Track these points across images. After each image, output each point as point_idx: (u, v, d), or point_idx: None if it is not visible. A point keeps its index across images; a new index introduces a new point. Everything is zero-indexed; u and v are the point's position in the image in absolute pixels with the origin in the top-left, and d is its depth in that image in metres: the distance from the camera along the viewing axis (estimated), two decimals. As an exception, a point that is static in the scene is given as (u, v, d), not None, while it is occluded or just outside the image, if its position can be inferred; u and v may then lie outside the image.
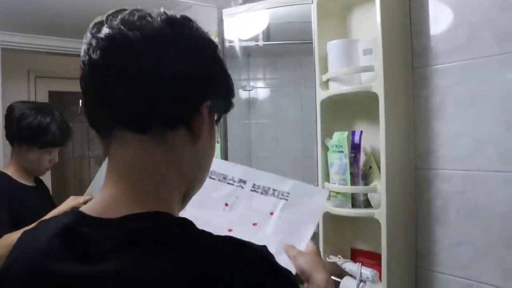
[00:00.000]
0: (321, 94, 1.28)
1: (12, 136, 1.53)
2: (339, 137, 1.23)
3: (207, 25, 1.90)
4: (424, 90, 1.20)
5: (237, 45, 1.72)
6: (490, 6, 1.06)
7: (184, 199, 0.60)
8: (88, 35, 0.54)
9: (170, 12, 0.57)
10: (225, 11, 1.56)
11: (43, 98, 3.63)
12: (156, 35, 0.53)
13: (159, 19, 0.55)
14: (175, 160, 0.56)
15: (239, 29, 1.65)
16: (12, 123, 1.51)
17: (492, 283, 1.06)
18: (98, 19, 0.56)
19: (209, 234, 0.50)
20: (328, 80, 1.29)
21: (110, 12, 0.56)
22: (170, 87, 0.53)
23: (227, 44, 1.64)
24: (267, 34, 1.72)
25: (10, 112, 1.53)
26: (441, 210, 1.17)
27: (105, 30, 0.53)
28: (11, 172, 1.51)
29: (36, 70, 3.64)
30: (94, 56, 0.53)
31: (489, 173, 1.07)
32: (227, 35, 1.62)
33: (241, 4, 1.45)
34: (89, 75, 0.54)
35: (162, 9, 0.56)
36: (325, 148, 1.29)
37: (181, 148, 0.56)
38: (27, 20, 2.53)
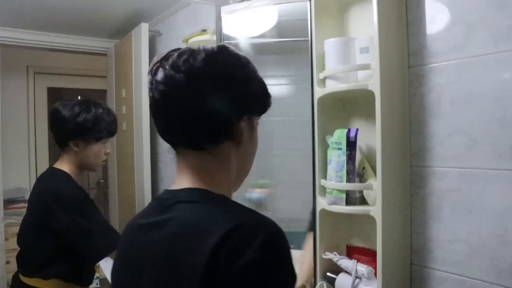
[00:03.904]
0: (318, 92, 1.29)
1: (67, 136, 1.53)
2: (339, 134, 1.24)
3: (205, 22, 1.91)
4: (420, 88, 1.21)
5: (236, 42, 1.73)
6: (486, 5, 1.07)
7: (235, 184, 0.80)
8: (148, 76, 0.72)
9: (208, 48, 0.71)
10: (223, 9, 1.57)
11: (42, 94, 3.66)
12: (196, 76, 0.69)
13: (199, 58, 0.69)
14: (222, 163, 0.74)
15: (237, 26, 1.66)
16: (64, 123, 1.51)
17: (486, 279, 1.07)
18: (155, 60, 0.72)
19: (238, 203, 0.71)
20: (325, 78, 1.29)
21: (163, 55, 0.72)
22: (213, 116, 0.69)
23: (225, 42, 1.64)
24: (267, 31, 1.72)
25: (57, 113, 1.52)
26: (436, 207, 1.18)
27: (160, 74, 0.69)
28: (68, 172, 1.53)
29: (35, 66, 3.66)
30: (155, 95, 0.71)
31: (484, 170, 1.08)
32: (225, 32, 1.62)
33: (239, 2, 1.45)
34: (154, 109, 0.73)
35: (201, 47, 0.71)
36: (324, 145, 1.30)
37: (228, 153, 0.74)
38: (27, 16, 2.54)
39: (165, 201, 0.72)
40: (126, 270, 0.75)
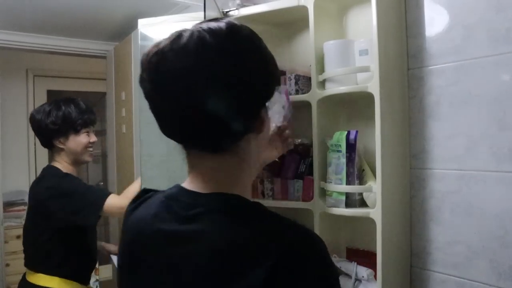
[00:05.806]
0: (318, 94, 1.29)
1: (47, 136, 1.60)
2: (339, 137, 1.24)
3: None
4: (419, 90, 1.21)
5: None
6: (485, 7, 1.07)
7: (253, 175, 0.72)
8: (147, 64, 0.65)
9: (217, 29, 0.61)
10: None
11: (41, 96, 3.65)
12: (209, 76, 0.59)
13: (211, 43, 0.60)
14: (244, 159, 0.67)
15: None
16: (41, 126, 1.58)
17: (486, 282, 1.07)
18: (163, 45, 0.63)
19: (273, 212, 0.64)
20: (324, 80, 1.30)
21: (169, 39, 0.63)
22: (243, 109, 0.62)
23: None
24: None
25: (33, 119, 1.60)
26: (436, 210, 1.18)
27: (170, 62, 0.61)
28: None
29: (34, 69, 3.66)
30: (162, 88, 0.63)
31: (483, 172, 1.08)
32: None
33: (238, 5, 1.46)
34: (159, 105, 0.64)
35: (205, 27, 0.62)
36: (324, 147, 1.30)
37: (247, 146, 0.66)
38: (26, 19, 2.53)
39: (189, 206, 0.64)
40: (148, 278, 0.66)
